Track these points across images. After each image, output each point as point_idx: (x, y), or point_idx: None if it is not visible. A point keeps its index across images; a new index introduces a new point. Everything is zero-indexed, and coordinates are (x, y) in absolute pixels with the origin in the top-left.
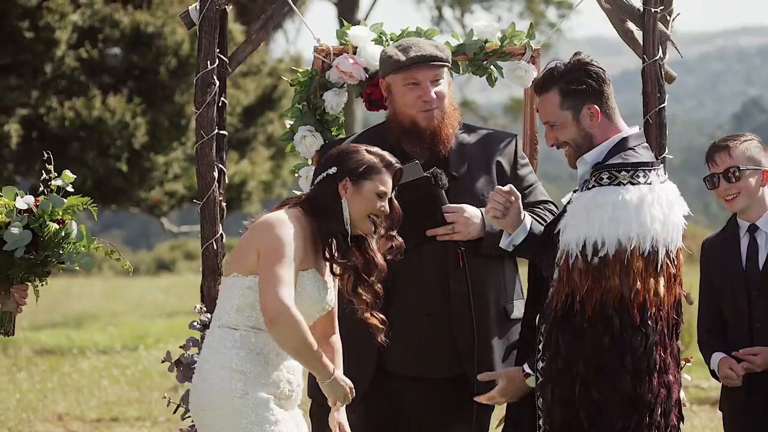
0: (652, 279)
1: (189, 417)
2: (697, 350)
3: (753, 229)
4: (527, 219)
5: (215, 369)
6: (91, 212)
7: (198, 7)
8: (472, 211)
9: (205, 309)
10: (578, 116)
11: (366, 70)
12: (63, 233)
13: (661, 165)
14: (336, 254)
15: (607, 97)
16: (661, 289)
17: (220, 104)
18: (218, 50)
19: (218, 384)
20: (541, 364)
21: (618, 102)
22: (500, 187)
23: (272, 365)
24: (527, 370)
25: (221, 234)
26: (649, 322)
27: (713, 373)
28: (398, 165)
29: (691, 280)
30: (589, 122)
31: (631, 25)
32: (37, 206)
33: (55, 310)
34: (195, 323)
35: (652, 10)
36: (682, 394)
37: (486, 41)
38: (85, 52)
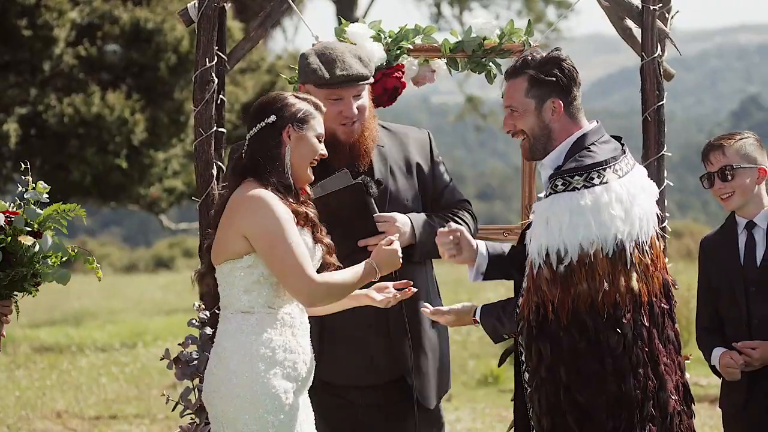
0: (622, 277)
1: (188, 414)
2: (695, 348)
3: (750, 225)
4: (481, 245)
5: (235, 355)
6: (94, 211)
7: (197, 5)
8: (402, 219)
9: (203, 306)
10: (541, 107)
11: None
12: (36, 248)
13: (623, 156)
14: (290, 201)
15: (573, 97)
16: (634, 284)
17: (218, 101)
18: (217, 48)
19: (239, 371)
20: (526, 375)
21: (616, 99)
22: (441, 229)
23: (290, 347)
24: (477, 317)
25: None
26: (624, 321)
27: (713, 369)
28: (323, 107)
29: (690, 278)
30: (550, 116)
31: (629, 23)
32: (10, 222)
33: (54, 308)
34: (194, 321)
35: (651, 7)
36: (687, 375)
37: (484, 38)
38: (83, 49)
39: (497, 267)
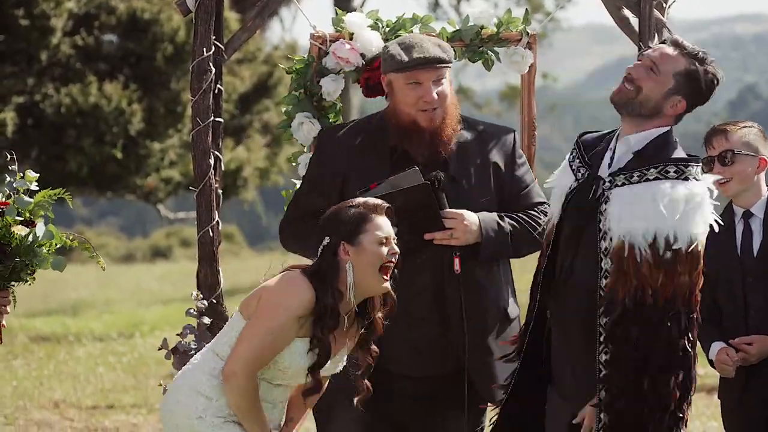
0: (701, 277)
1: None
2: None
3: (747, 215)
4: None
5: (185, 387)
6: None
7: None
8: (470, 217)
9: (201, 296)
10: (671, 93)
11: (363, 55)
12: (30, 238)
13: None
14: (316, 327)
15: (690, 109)
16: (699, 284)
17: (216, 91)
18: (214, 37)
19: (182, 401)
20: (603, 357)
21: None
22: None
23: (234, 416)
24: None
25: (217, 221)
26: (699, 318)
27: (711, 363)
28: (385, 205)
29: None
30: (668, 107)
31: (627, 12)
32: (2, 213)
33: (50, 298)
34: (191, 310)
35: None
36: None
37: (482, 27)
38: (80, 39)
39: None
